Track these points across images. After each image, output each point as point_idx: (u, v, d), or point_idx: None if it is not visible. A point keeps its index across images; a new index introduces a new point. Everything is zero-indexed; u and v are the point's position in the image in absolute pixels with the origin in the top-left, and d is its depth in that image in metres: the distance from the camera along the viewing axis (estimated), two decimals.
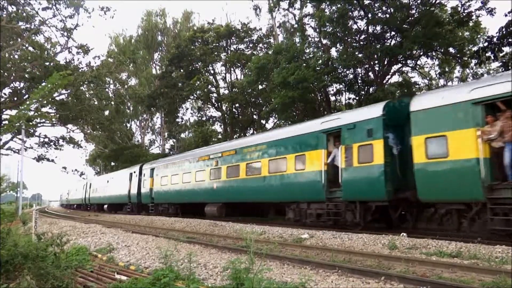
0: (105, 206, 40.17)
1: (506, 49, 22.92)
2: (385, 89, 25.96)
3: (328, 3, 26.52)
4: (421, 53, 27.38)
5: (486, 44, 23.94)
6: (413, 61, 29.02)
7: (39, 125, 32.98)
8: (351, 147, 13.32)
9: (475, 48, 26.42)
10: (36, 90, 6.40)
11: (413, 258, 8.36)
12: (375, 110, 13.11)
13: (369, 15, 26.05)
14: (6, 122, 23.94)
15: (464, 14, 24.63)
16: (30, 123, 27.07)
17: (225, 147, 21.27)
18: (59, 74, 6.35)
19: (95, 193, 42.75)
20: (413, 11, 24.79)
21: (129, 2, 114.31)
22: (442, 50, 26.82)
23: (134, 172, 31.69)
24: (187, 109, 51.06)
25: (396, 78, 31.08)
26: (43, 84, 6.47)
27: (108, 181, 38.74)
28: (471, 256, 8.23)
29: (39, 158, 37.20)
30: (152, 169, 28.33)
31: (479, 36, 28.33)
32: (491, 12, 23.47)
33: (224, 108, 42.38)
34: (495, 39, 22.69)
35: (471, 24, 26.11)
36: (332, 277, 7.07)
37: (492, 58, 23.68)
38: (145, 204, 29.50)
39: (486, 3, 23.53)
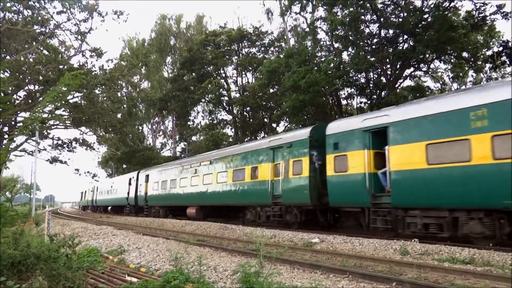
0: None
1: None
2: (397, 93, 25.76)
3: (340, 6, 26.45)
4: (434, 57, 27.13)
5: (501, 48, 23.66)
6: (426, 65, 28.76)
7: (52, 127, 33.39)
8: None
9: (489, 53, 26.11)
10: (49, 92, 6.46)
11: (425, 264, 8.26)
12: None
13: (382, 19, 25.90)
14: (21, 124, 24.27)
15: (479, 18, 24.33)
16: (44, 125, 27.43)
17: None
18: (71, 74, 6.38)
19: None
20: (426, 15, 24.58)
21: (143, 5, 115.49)
22: (455, 54, 26.55)
23: None
24: (198, 112, 51.34)
25: (408, 82, 30.86)
26: (57, 85, 6.52)
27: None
28: (485, 263, 8.10)
29: (53, 160, 37.68)
30: None
31: (493, 40, 27.99)
32: (506, 16, 23.14)
33: (235, 111, 42.48)
34: (510, 43, 22.42)
35: (485, 28, 25.80)
36: (343, 282, 7.02)
37: (508, 62, 23.37)
38: None
39: (501, 7, 23.23)
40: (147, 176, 31.50)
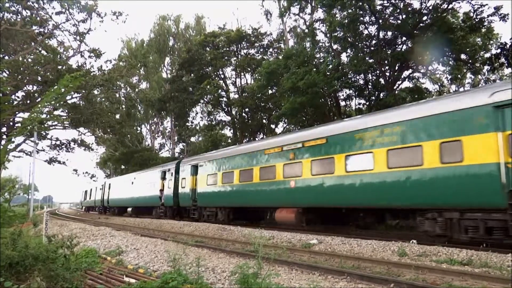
0: None
1: None
2: (396, 95, 25.81)
3: (339, 8, 26.50)
4: (433, 59, 27.17)
5: (499, 50, 23.73)
6: (424, 67, 28.80)
7: (51, 128, 33.42)
8: None
9: (487, 55, 26.20)
10: (48, 92, 6.46)
11: (423, 265, 8.27)
12: None
13: (380, 21, 25.95)
14: (19, 124, 24.24)
15: (476, 20, 24.40)
16: (43, 126, 27.41)
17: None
18: (70, 76, 6.39)
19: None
20: (425, 17, 24.65)
21: (142, 6, 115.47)
22: (453, 56, 26.62)
23: None
24: (197, 113, 51.28)
25: (406, 84, 30.91)
26: (55, 86, 6.52)
27: None
28: (482, 264, 8.12)
29: (51, 161, 37.70)
30: None
31: (491, 42, 28.08)
32: (504, 18, 23.21)
33: (234, 112, 42.49)
34: (508, 45, 22.49)
35: (483, 30, 25.87)
36: (341, 284, 7.03)
37: (506, 64, 23.43)
38: None
39: (499, 9, 23.31)
40: (195, 167, 24.03)
